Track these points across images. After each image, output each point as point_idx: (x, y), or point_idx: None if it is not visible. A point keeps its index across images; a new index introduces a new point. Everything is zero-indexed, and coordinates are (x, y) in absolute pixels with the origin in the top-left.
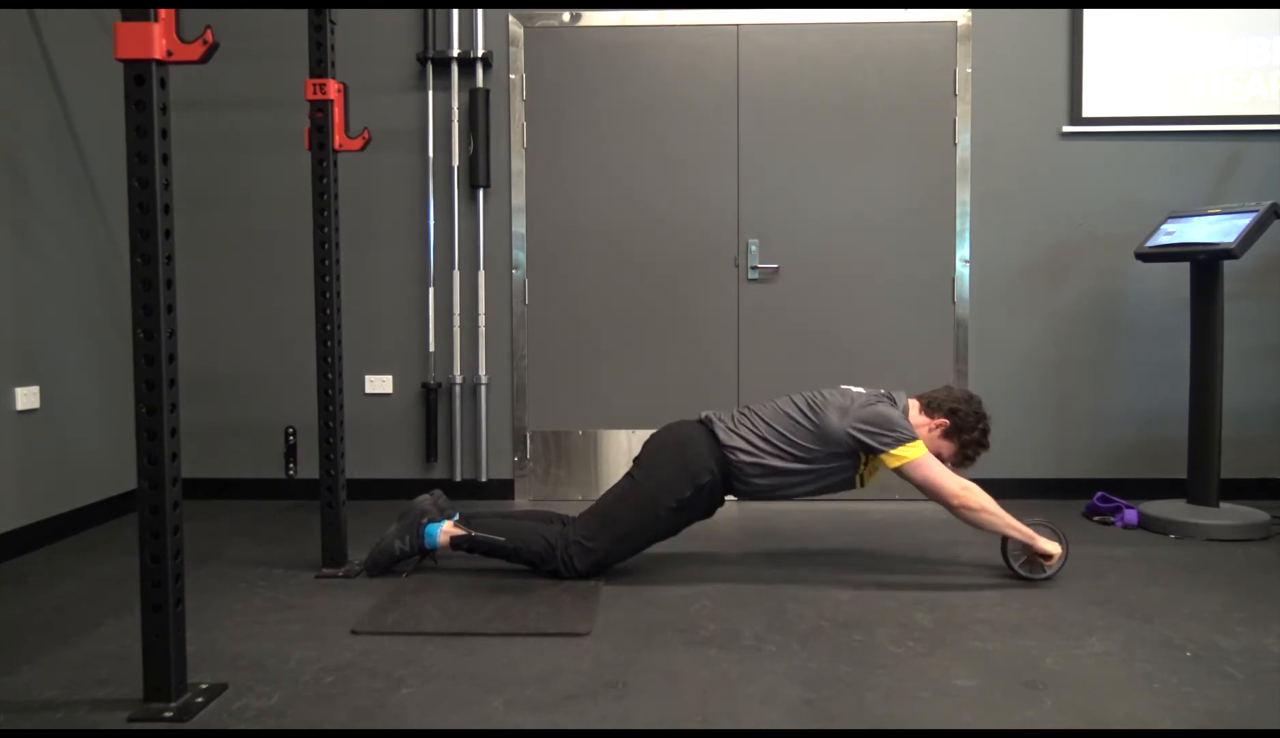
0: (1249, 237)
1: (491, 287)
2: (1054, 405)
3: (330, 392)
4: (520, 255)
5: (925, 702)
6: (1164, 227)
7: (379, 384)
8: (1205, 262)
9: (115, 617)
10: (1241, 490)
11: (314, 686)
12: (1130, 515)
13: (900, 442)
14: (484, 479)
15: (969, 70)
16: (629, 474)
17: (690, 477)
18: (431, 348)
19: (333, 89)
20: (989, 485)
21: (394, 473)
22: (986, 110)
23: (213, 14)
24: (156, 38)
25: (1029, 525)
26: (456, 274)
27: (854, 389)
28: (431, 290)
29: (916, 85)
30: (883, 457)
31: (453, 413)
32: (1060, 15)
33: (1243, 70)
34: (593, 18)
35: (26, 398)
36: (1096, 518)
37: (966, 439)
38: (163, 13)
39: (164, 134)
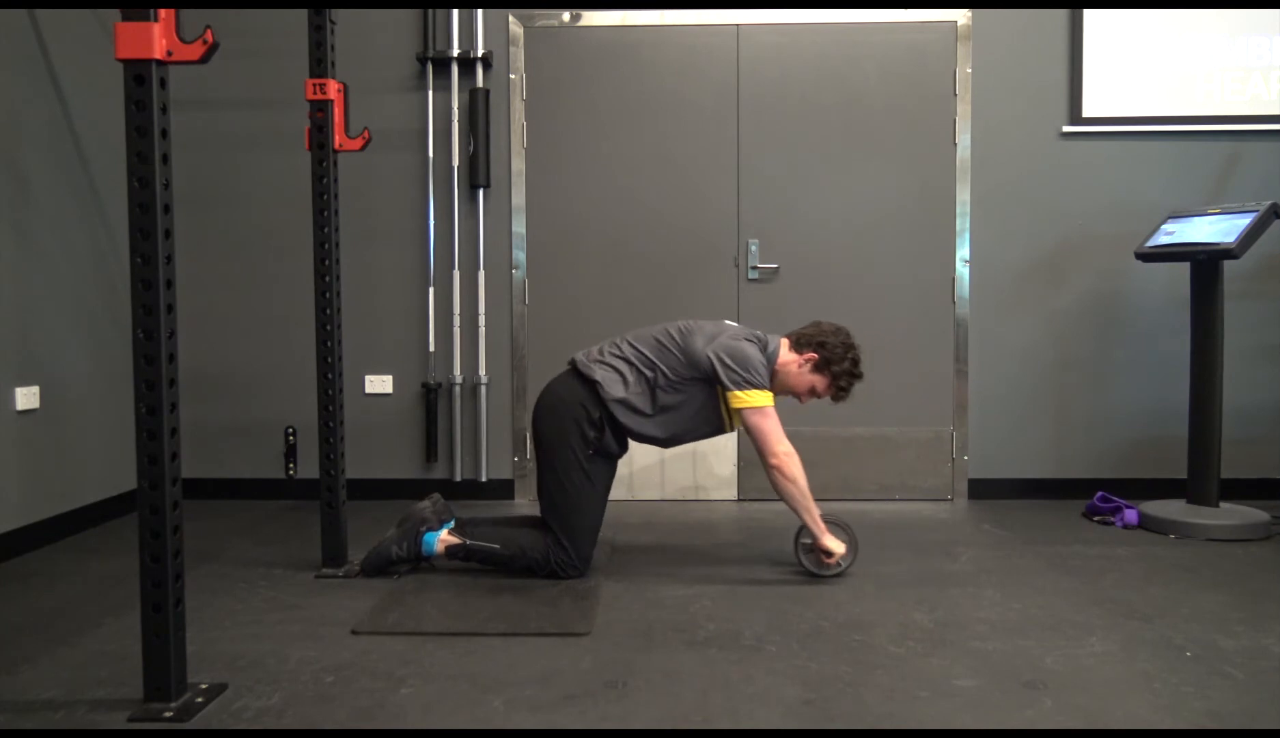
0: (1249, 237)
1: (491, 287)
2: (1054, 405)
3: (330, 392)
4: (520, 255)
5: (925, 702)
6: (1164, 227)
7: (379, 384)
8: (1205, 262)
9: (115, 617)
10: (1241, 490)
11: (314, 686)
12: (1130, 515)
13: (749, 385)
14: (484, 479)
15: (969, 70)
16: (539, 454)
17: (584, 421)
18: (431, 348)
19: (333, 89)
20: (990, 485)
21: (394, 473)
22: (986, 110)
23: (213, 14)
24: (156, 38)
25: (824, 521)
26: (456, 274)
27: (729, 323)
28: (431, 290)
29: (916, 85)
30: (729, 394)
31: (453, 413)
32: (1060, 15)
33: (1242, 70)
34: (593, 18)
35: (26, 398)
36: (1096, 518)
37: (837, 370)
38: (163, 13)
39: (164, 134)
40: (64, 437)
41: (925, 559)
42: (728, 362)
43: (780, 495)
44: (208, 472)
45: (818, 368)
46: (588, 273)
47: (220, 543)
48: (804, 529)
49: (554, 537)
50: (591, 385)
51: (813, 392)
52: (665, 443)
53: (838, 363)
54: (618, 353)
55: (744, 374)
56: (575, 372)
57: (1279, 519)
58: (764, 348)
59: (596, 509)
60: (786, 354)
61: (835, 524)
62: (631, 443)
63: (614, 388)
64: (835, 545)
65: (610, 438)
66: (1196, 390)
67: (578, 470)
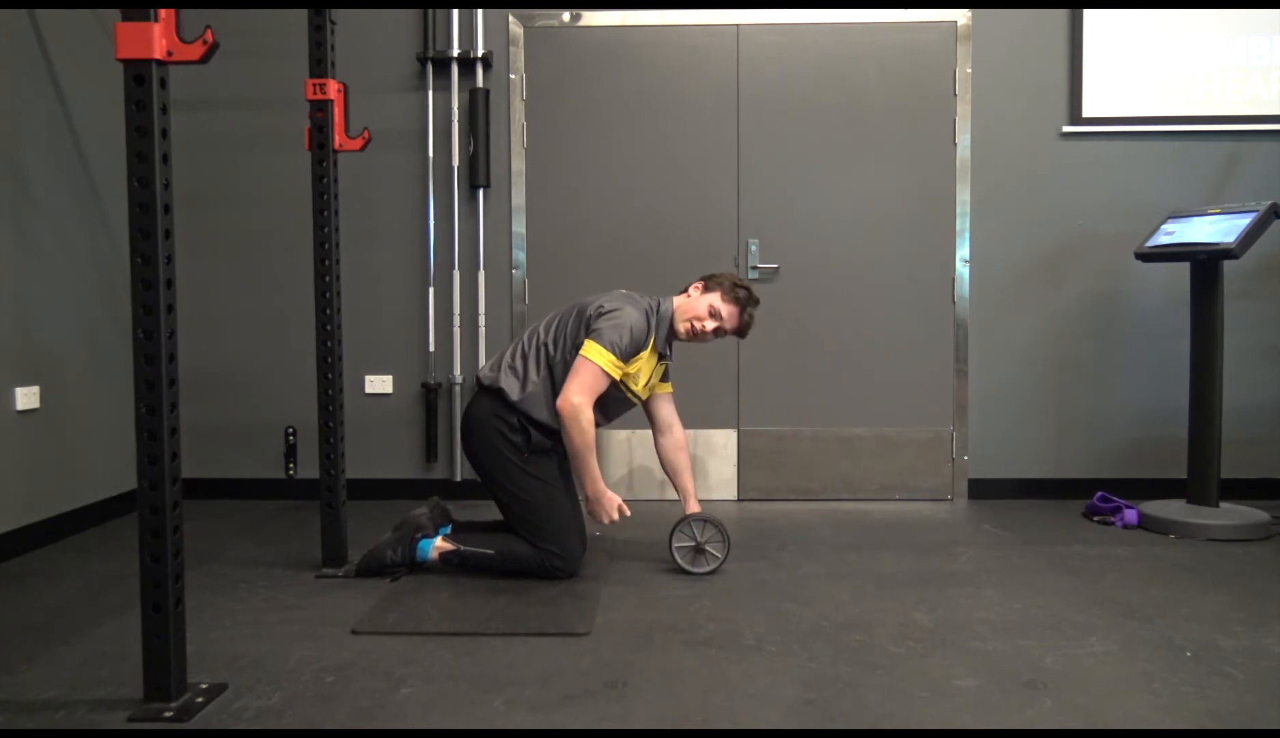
0: (1249, 237)
1: (491, 287)
2: (1054, 405)
3: (330, 392)
4: (520, 255)
5: (925, 702)
6: (1164, 227)
7: (379, 384)
8: (1205, 262)
9: (115, 617)
10: (1241, 490)
11: (314, 686)
12: (1130, 515)
13: (600, 337)
14: None
15: (969, 70)
16: (482, 478)
17: (507, 429)
18: (431, 348)
19: (333, 89)
20: (990, 485)
21: (394, 473)
22: (986, 110)
23: (213, 14)
24: (156, 38)
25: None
26: (456, 274)
27: (619, 291)
28: (431, 290)
29: (916, 85)
30: (586, 338)
31: (453, 413)
32: (1060, 15)
33: (1243, 70)
34: (593, 18)
35: (26, 398)
36: (1096, 518)
37: (725, 283)
38: (163, 13)
39: (164, 134)
40: (64, 437)
41: (925, 559)
42: (601, 316)
43: (565, 438)
44: (208, 472)
45: (707, 289)
46: (588, 273)
47: (220, 543)
48: (679, 527)
49: (539, 543)
50: (498, 394)
51: (712, 312)
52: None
53: (725, 279)
54: (520, 351)
55: (604, 325)
56: (482, 387)
57: (1279, 519)
58: (656, 310)
59: (562, 503)
60: (679, 298)
61: (708, 521)
62: (633, 444)
63: (515, 390)
64: (605, 499)
65: (537, 435)
66: (1196, 390)
67: (524, 476)
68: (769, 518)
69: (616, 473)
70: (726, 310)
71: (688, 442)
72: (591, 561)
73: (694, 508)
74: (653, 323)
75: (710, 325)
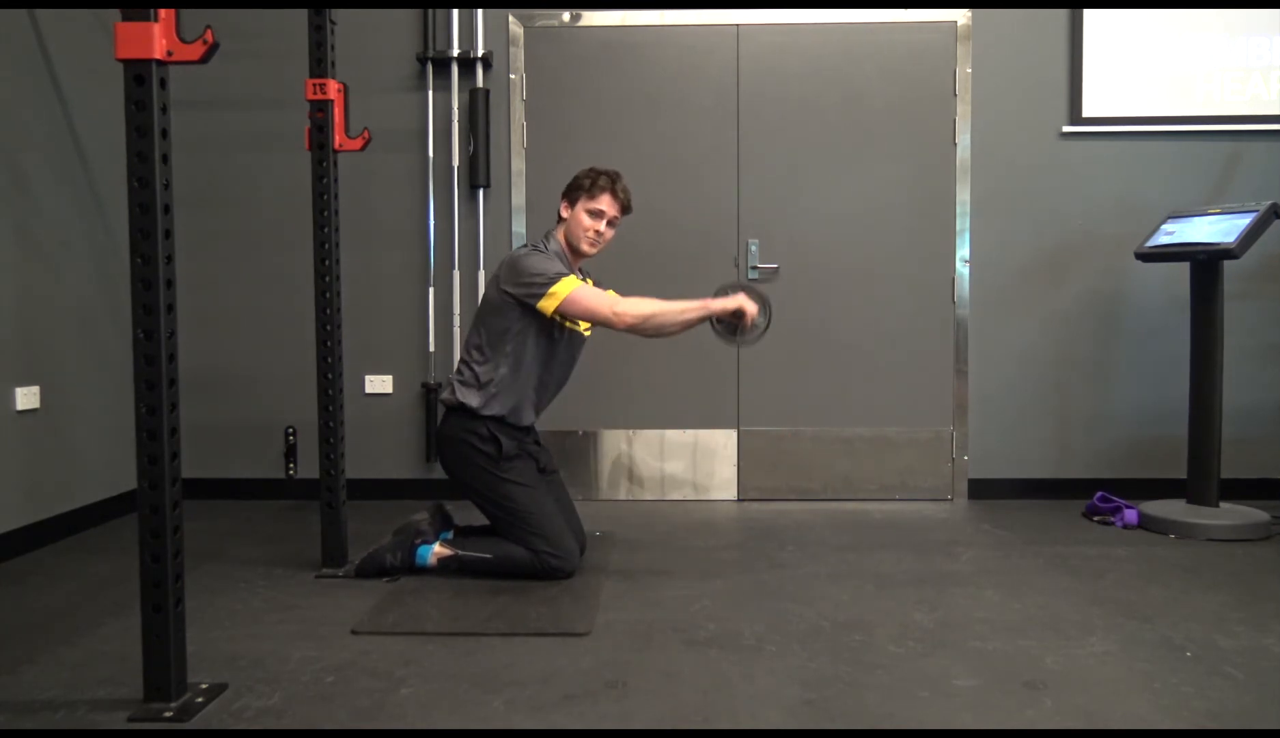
0: (1249, 237)
1: None
2: (1054, 405)
3: (330, 392)
4: None
5: (925, 702)
6: (1164, 227)
7: (379, 384)
8: (1205, 262)
9: (115, 617)
10: (1241, 490)
11: (314, 686)
12: (1130, 515)
13: (548, 282)
14: None
15: (969, 70)
16: (469, 497)
17: (478, 440)
18: (431, 348)
19: (333, 89)
20: (990, 485)
21: (394, 473)
22: (986, 110)
23: (213, 14)
24: (156, 38)
25: (715, 296)
26: (456, 274)
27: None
28: (431, 290)
29: (916, 85)
30: (540, 304)
31: None
32: (1060, 15)
33: (1243, 70)
34: (593, 18)
35: (26, 398)
36: (1096, 518)
37: (581, 183)
38: (163, 13)
39: (164, 134)
40: (64, 437)
41: (925, 559)
42: (517, 282)
43: (657, 335)
44: (208, 472)
45: (571, 203)
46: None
47: (220, 543)
48: (711, 314)
49: (533, 545)
50: (461, 409)
51: (597, 216)
52: (547, 399)
53: (576, 187)
54: (463, 361)
55: (537, 278)
56: (447, 407)
57: (1279, 519)
58: (543, 246)
59: (548, 505)
60: (558, 229)
61: (726, 287)
62: (633, 445)
63: (472, 396)
64: (744, 303)
65: (508, 443)
66: (1196, 390)
67: (503, 484)
68: (769, 518)
69: (616, 472)
70: (599, 205)
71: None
72: (591, 561)
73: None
74: (553, 255)
75: (600, 226)
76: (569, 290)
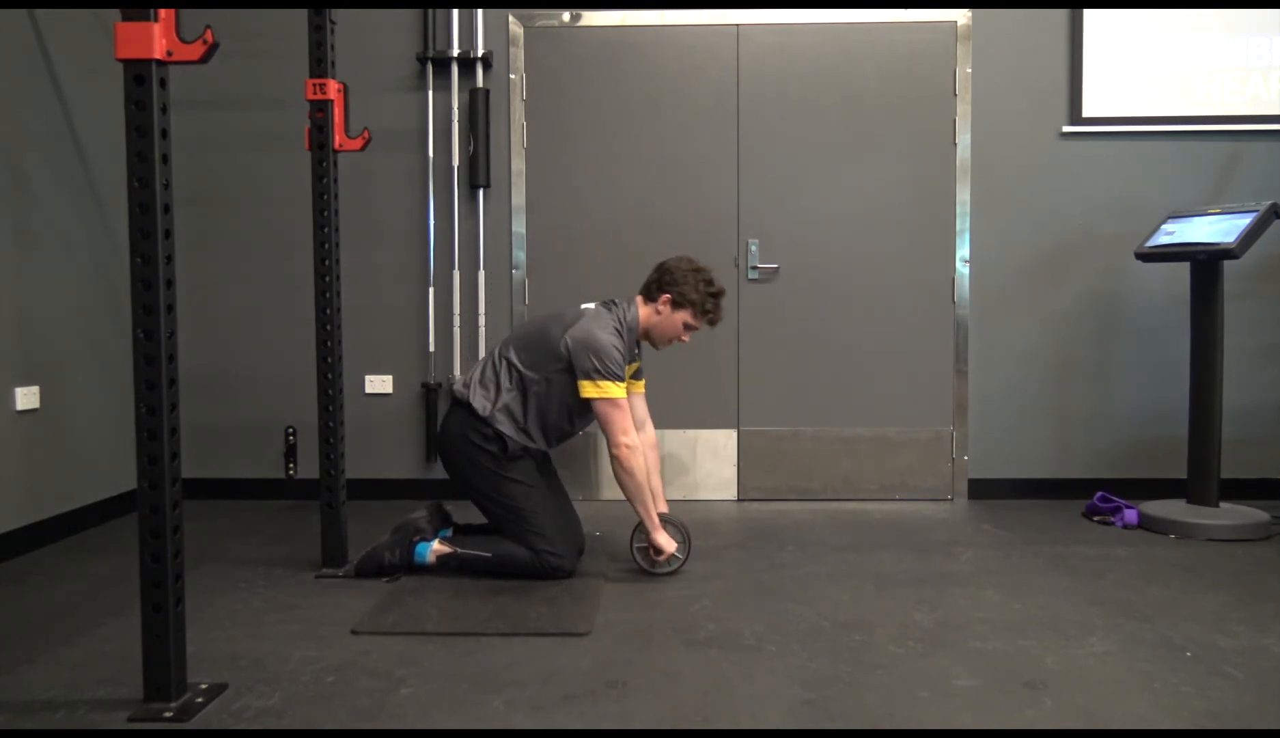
0: (1249, 237)
1: (491, 287)
2: (1054, 405)
3: (330, 392)
4: (520, 255)
5: (925, 702)
6: (1164, 227)
7: (379, 384)
8: (1205, 262)
9: (115, 617)
10: (1241, 490)
11: (314, 686)
12: (1130, 515)
13: (598, 374)
14: None
15: (969, 70)
16: (468, 493)
17: (482, 439)
18: (431, 348)
19: (333, 89)
20: (990, 485)
21: (394, 473)
22: (986, 110)
23: (213, 14)
24: (156, 38)
25: (659, 518)
26: (456, 274)
27: (588, 305)
28: (431, 290)
29: (916, 85)
30: (581, 382)
31: None
32: (1060, 15)
33: (1243, 70)
34: (593, 18)
35: (26, 398)
36: (1096, 518)
37: (695, 298)
38: (163, 13)
39: (164, 134)
40: (64, 437)
41: (925, 559)
42: (579, 352)
43: (619, 485)
44: (208, 472)
45: (677, 306)
46: (588, 273)
47: (220, 543)
48: (638, 529)
49: (532, 544)
50: (469, 408)
51: (687, 327)
52: (550, 442)
53: (692, 291)
54: (492, 365)
55: (595, 363)
56: (456, 401)
57: (1279, 519)
58: (622, 320)
59: (549, 504)
60: (644, 309)
61: (671, 523)
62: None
63: (485, 404)
64: (665, 543)
65: (513, 443)
66: (1196, 390)
67: (505, 482)
68: (769, 518)
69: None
70: (699, 325)
71: (658, 441)
72: (591, 561)
73: (661, 508)
74: (624, 337)
75: (686, 337)
76: (611, 397)
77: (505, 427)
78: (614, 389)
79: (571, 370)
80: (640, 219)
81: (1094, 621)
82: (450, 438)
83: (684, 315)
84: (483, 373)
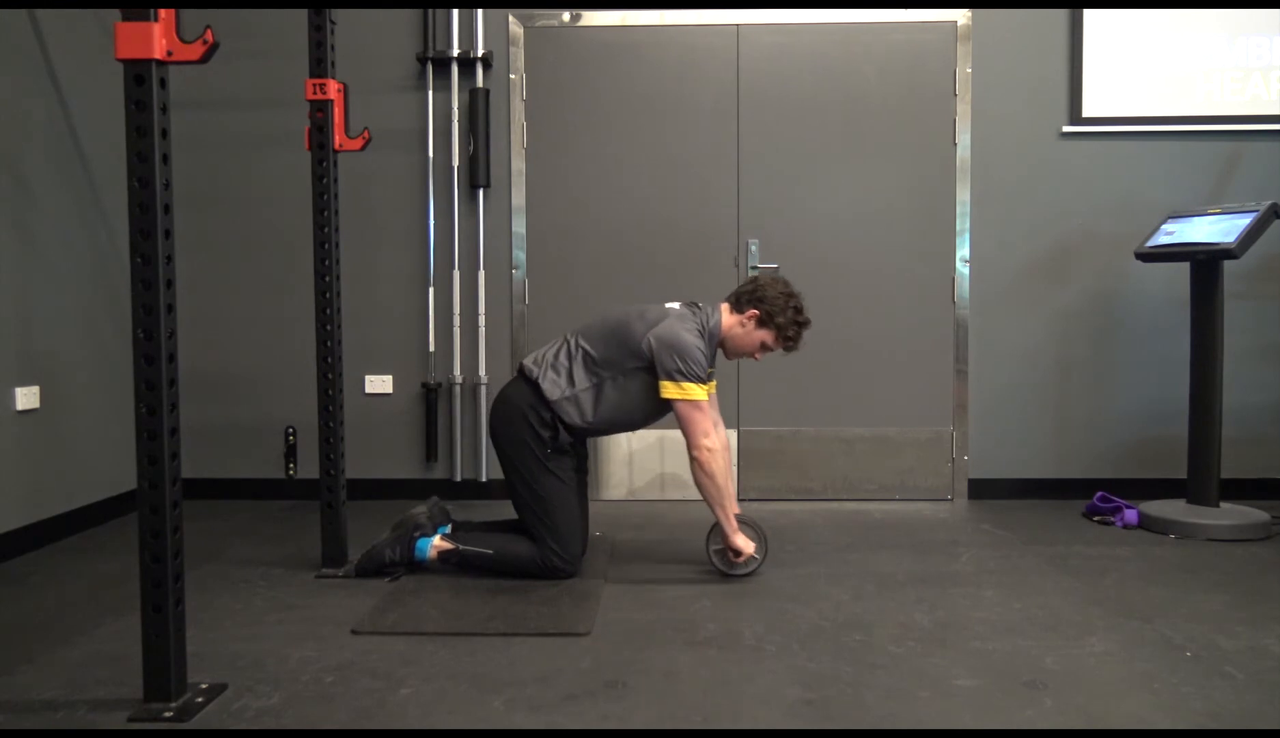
0: (1249, 237)
1: (491, 287)
2: (1054, 405)
3: (330, 392)
4: (520, 255)
5: (925, 702)
6: (1164, 227)
7: (379, 384)
8: (1205, 262)
9: (115, 617)
10: (1241, 490)
11: (314, 686)
12: (1130, 515)
13: (681, 375)
14: (484, 479)
15: (969, 70)
16: (502, 463)
17: (536, 422)
18: (431, 348)
19: (333, 89)
20: (990, 485)
21: (394, 473)
22: (986, 110)
23: (213, 14)
24: (156, 38)
25: (736, 519)
26: (456, 274)
27: (672, 305)
28: (431, 290)
29: (916, 85)
30: (663, 382)
31: (453, 413)
32: (1060, 15)
33: (1242, 70)
34: (593, 18)
35: (26, 398)
36: (1096, 518)
37: (782, 321)
38: (163, 13)
39: (164, 134)
40: (64, 437)
41: (925, 559)
42: (663, 352)
43: (697, 488)
44: (208, 472)
45: (761, 323)
46: (588, 273)
47: (220, 543)
48: (714, 531)
49: (541, 541)
50: (537, 387)
51: (763, 347)
52: (612, 431)
53: (780, 314)
54: (566, 352)
55: (679, 364)
56: (523, 376)
57: (1279, 519)
58: (705, 324)
59: (573, 505)
60: (729, 318)
61: (747, 524)
62: (633, 445)
63: (555, 389)
64: (744, 544)
65: (564, 434)
66: (1196, 390)
67: (543, 472)
68: (769, 518)
69: (617, 472)
70: (777, 347)
71: (727, 443)
72: (591, 561)
73: (734, 508)
74: (705, 341)
75: (760, 356)
76: (693, 398)
77: (570, 416)
78: (697, 391)
79: (651, 369)
80: (640, 219)
81: (1094, 621)
82: (508, 408)
83: (765, 335)
84: (555, 356)
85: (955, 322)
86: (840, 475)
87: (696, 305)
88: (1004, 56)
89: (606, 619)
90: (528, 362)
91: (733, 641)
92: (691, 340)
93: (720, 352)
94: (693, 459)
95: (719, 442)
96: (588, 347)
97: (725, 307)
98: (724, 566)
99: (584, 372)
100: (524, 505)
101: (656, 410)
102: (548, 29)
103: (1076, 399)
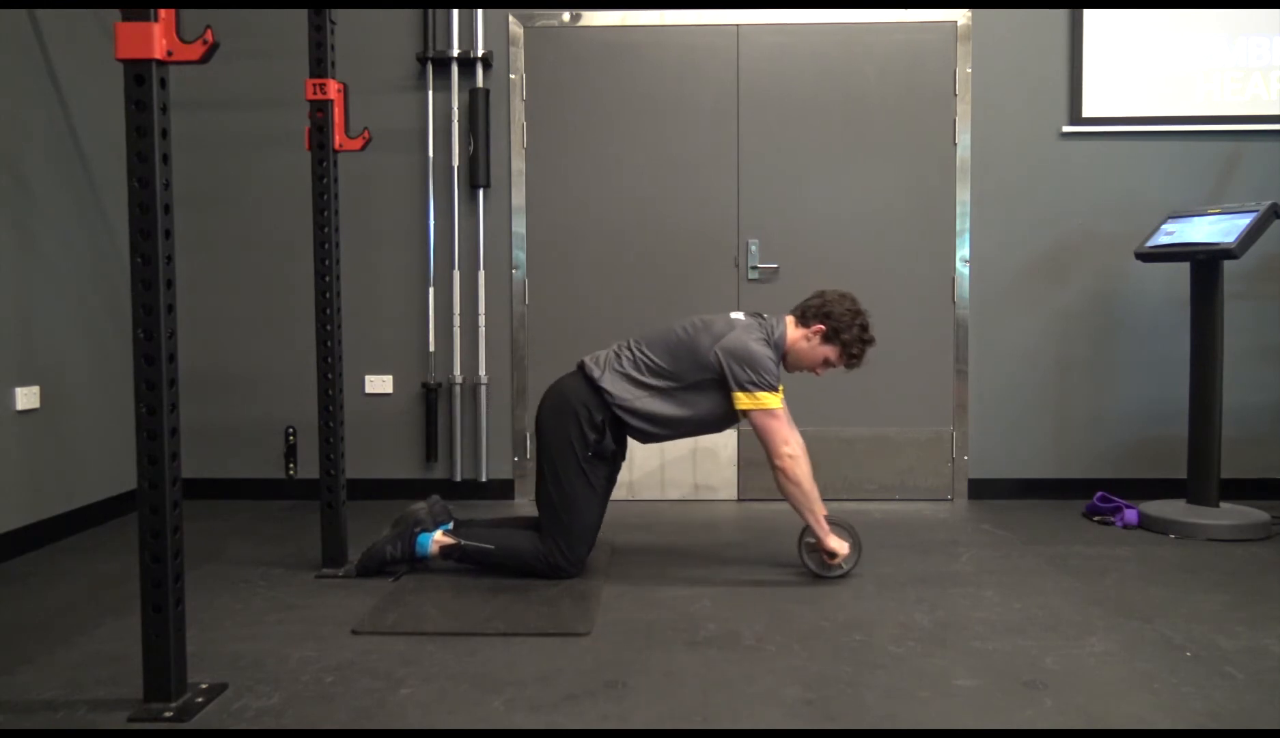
0: (1249, 237)
1: (491, 287)
2: (1054, 405)
3: (330, 392)
4: (520, 255)
5: (925, 702)
6: (1164, 227)
7: (379, 384)
8: (1205, 262)
9: (115, 617)
10: (1241, 490)
11: (314, 686)
12: (1130, 515)
13: (756, 386)
14: (484, 479)
15: (969, 70)
16: (539, 452)
17: (585, 422)
18: (431, 348)
19: (333, 89)
20: (990, 485)
21: (394, 473)
22: (986, 110)
23: (213, 14)
24: (156, 38)
25: (827, 522)
26: (456, 274)
27: (737, 315)
28: (431, 290)
29: (916, 85)
30: (736, 394)
31: (453, 413)
32: (1060, 15)
33: (1242, 70)
34: (593, 18)
35: (26, 398)
36: (1096, 518)
37: (847, 338)
38: (163, 13)
39: (164, 134)
40: (64, 437)
41: (925, 559)
42: (733, 363)
43: (785, 496)
44: (208, 472)
45: (827, 338)
46: (588, 273)
47: (220, 543)
48: (808, 529)
49: (549, 538)
50: (598, 390)
51: (826, 363)
52: (673, 438)
53: (846, 331)
54: (629, 358)
55: (751, 375)
56: (583, 375)
57: (1279, 519)
58: (771, 335)
59: (593, 512)
60: (794, 331)
61: (839, 525)
62: (632, 444)
63: (624, 396)
64: (839, 547)
65: (609, 441)
66: (1196, 390)
67: (576, 471)
68: (769, 518)
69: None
70: (839, 364)
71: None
72: (591, 560)
73: (823, 511)
74: (774, 348)
75: (821, 372)
76: (771, 406)
77: (634, 420)
78: (771, 400)
79: (720, 382)
80: (640, 219)
81: (1094, 621)
82: (560, 399)
83: (829, 350)
84: (618, 361)
85: (955, 322)
86: (840, 475)
87: (761, 316)
88: (1004, 56)
89: (606, 619)
90: (588, 361)
91: (733, 641)
92: (761, 350)
93: (781, 365)
94: (776, 469)
95: (799, 447)
96: (652, 355)
97: (790, 319)
98: (818, 568)
99: (649, 378)
100: (546, 499)
101: (723, 421)
102: (548, 29)
103: (1076, 399)
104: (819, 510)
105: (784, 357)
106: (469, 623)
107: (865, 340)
